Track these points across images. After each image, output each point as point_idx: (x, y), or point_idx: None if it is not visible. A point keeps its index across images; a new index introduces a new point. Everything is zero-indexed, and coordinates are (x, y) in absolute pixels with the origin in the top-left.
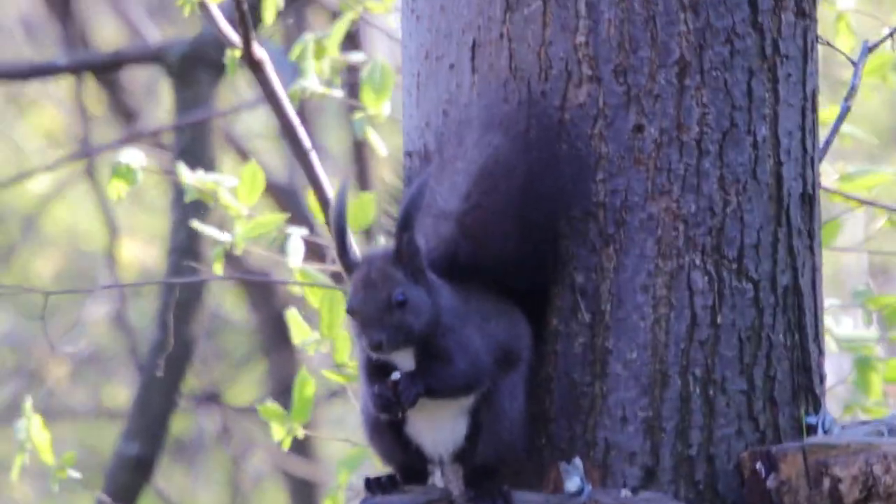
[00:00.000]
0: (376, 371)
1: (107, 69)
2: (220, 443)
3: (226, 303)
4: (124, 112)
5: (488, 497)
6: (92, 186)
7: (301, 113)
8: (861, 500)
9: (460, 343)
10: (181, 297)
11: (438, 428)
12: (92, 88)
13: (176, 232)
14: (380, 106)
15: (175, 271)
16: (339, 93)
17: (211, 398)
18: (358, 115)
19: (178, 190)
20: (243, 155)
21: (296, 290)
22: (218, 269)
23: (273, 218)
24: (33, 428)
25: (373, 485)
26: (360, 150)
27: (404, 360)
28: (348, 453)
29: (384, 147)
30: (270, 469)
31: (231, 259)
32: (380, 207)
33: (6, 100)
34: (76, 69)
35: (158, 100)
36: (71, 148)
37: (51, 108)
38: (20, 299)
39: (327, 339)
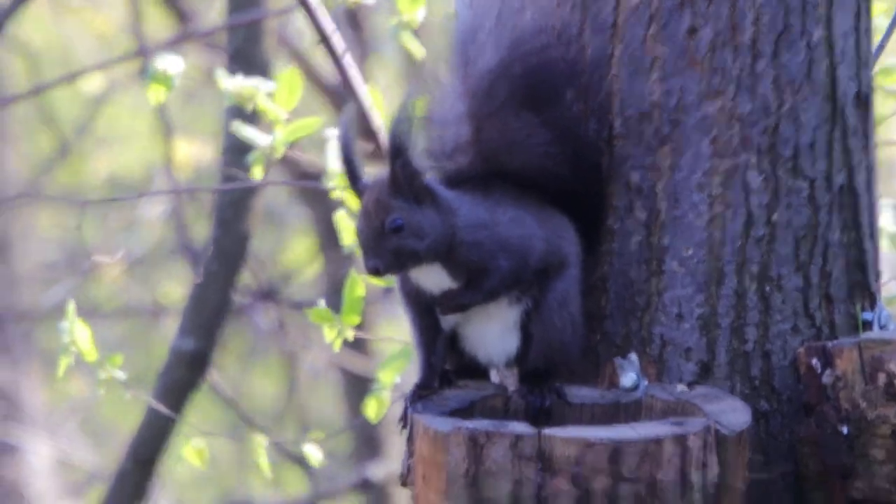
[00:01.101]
0: (415, 298)
1: None
2: (275, 339)
3: (280, 201)
4: (178, 13)
5: (540, 393)
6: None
7: (355, 30)
8: None
9: (487, 252)
10: (235, 195)
11: (490, 342)
12: None
13: (228, 132)
14: (414, 11)
15: (227, 170)
16: (370, 0)
17: (267, 295)
18: (393, 21)
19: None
20: (296, 56)
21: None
22: (258, 172)
23: (312, 121)
24: (77, 331)
25: (414, 398)
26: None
27: (433, 278)
28: (392, 353)
29: (422, 50)
30: (326, 366)
31: (284, 157)
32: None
33: (59, 2)
34: None
35: (212, 0)
36: (124, 49)
37: (104, 10)
38: (74, 201)
39: None
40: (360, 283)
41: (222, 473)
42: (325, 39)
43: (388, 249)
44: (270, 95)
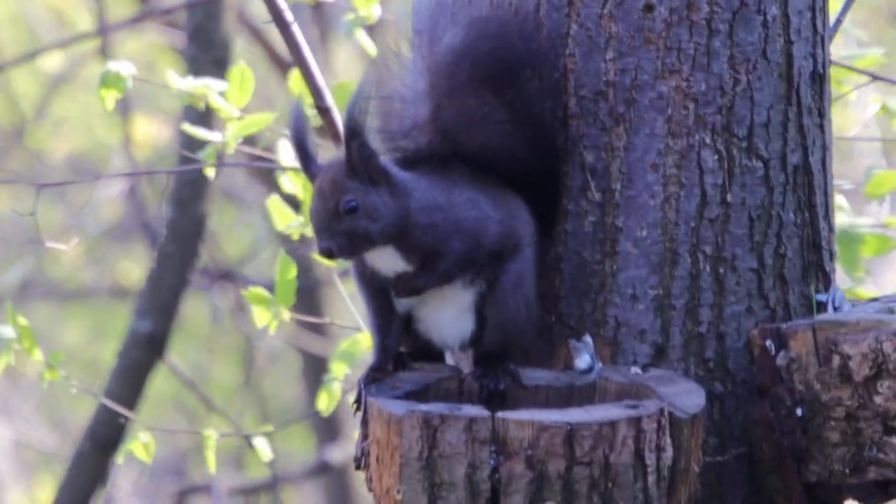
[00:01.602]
0: (369, 281)
1: None
2: (233, 320)
3: (239, 181)
4: None
5: (494, 375)
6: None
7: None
8: (871, 378)
9: (441, 234)
10: (193, 175)
11: (444, 324)
12: None
13: (187, 112)
14: (370, 7)
15: (187, 149)
16: None
17: (225, 275)
18: (348, 16)
19: (190, 70)
20: (255, 34)
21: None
22: (210, 172)
23: (263, 116)
24: (21, 329)
25: (368, 381)
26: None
27: (387, 260)
28: (344, 345)
29: (374, 48)
30: (283, 346)
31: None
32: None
33: None
34: None
35: None
36: (84, 27)
37: None
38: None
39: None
40: (291, 266)
41: (180, 455)
42: (276, 17)
43: (341, 231)
44: (222, 93)
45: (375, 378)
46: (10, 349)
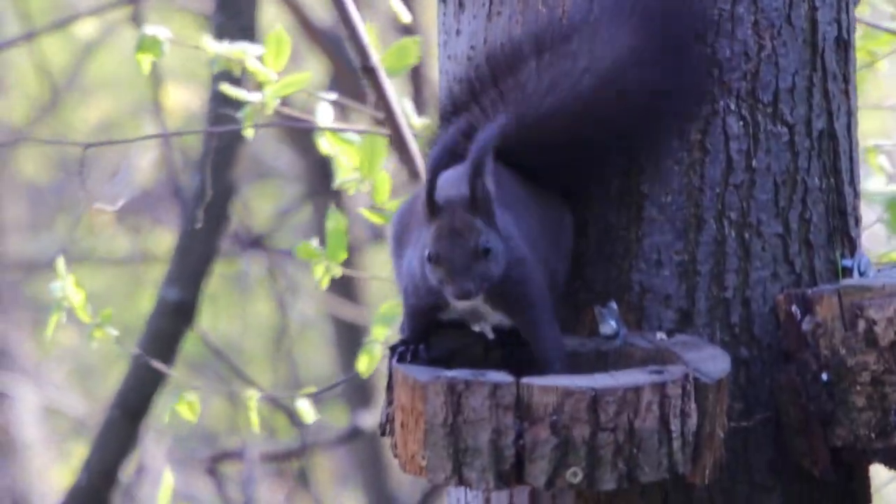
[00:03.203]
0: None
1: None
2: (264, 287)
3: (268, 150)
4: None
5: (518, 341)
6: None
7: None
8: None
9: (532, 282)
10: (222, 142)
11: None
12: None
13: (216, 78)
14: None
15: (215, 117)
16: None
17: (255, 242)
18: None
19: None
20: (286, 1)
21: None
22: (249, 131)
23: (301, 76)
24: (68, 287)
25: (402, 354)
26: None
27: (494, 318)
28: (383, 308)
29: (407, 14)
30: (315, 314)
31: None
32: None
33: None
34: None
35: None
36: None
37: None
38: (63, 149)
39: (367, 179)
40: (340, 219)
41: (212, 423)
42: None
43: (478, 273)
44: (259, 57)
45: (403, 354)
46: (60, 307)
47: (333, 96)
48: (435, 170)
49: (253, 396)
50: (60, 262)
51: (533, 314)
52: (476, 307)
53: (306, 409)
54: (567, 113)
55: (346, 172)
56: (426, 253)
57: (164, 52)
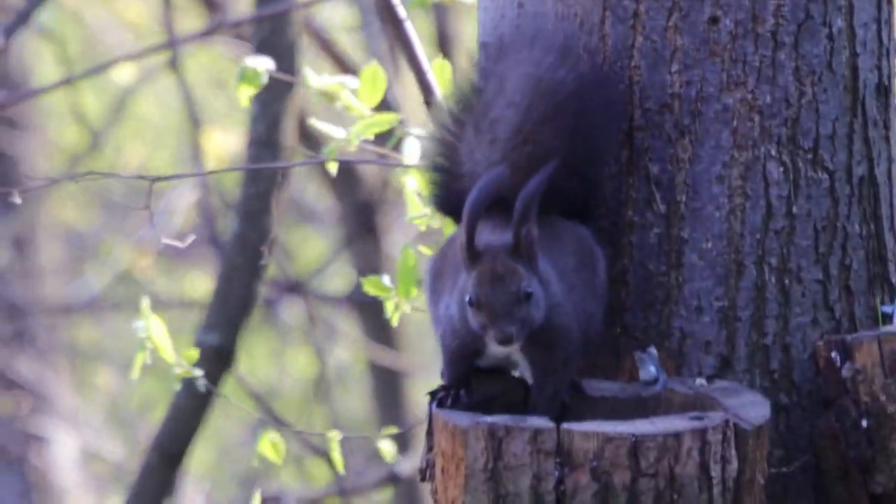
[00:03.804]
0: (463, 360)
1: None
2: (303, 334)
3: (308, 194)
4: (207, 2)
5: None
6: (175, 78)
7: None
8: None
9: (569, 329)
10: (260, 187)
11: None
12: None
13: (256, 124)
14: None
15: (254, 162)
16: None
17: (294, 288)
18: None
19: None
20: (325, 47)
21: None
22: (332, 166)
23: (388, 117)
24: (152, 327)
25: (441, 399)
26: (444, 43)
27: (522, 364)
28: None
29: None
30: (354, 360)
31: (311, 149)
32: (440, 113)
33: None
34: None
35: None
36: (153, 39)
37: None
38: (102, 193)
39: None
40: (412, 255)
41: (246, 469)
42: (390, 13)
43: (520, 318)
44: (353, 91)
45: (443, 399)
46: (144, 348)
47: (422, 132)
48: (474, 215)
49: (334, 437)
50: (145, 303)
51: (553, 361)
52: (512, 353)
53: (389, 450)
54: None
55: (417, 208)
56: (468, 298)
57: (263, 82)
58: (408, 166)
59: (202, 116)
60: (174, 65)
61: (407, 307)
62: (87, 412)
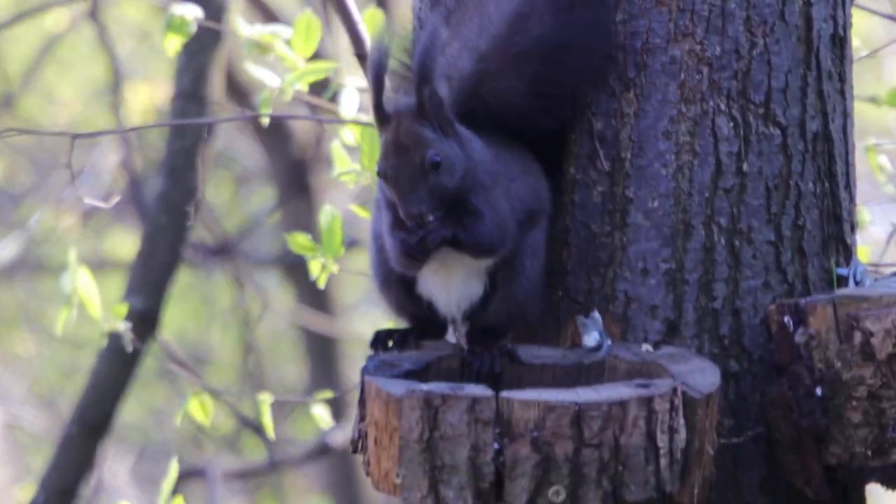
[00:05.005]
0: (403, 224)
1: None
2: (232, 299)
3: (238, 150)
4: None
5: (489, 355)
6: (96, 27)
7: None
8: (894, 355)
9: (490, 202)
10: (187, 143)
11: (453, 285)
12: None
13: (181, 76)
14: None
15: (179, 116)
16: None
17: (222, 250)
18: None
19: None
20: None
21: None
22: (265, 119)
23: (324, 65)
24: (79, 281)
25: (380, 342)
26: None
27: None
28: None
29: None
30: (286, 325)
31: (240, 104)
32: (392, 55)
33: None
34: None
35: None
36: None
37: None
38: (25, 150)
39: (367, 170)
40: (336, 216)
41: (173, 437)
42: None
43: (427, 189)
44: (287, 41)
45: (384, 340)
46: (71, 303)
47: (360, 83)
48: (379, 74)
49: (266, 400)
50: (73, 254)
51: (478, 201)
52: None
53: (323, 416)
54: (488, 71)
55: (344, 164)
56: (377, 168)
57: (190, 32)
58: (343, 122)
59: (127, 68)
60: (94, 15)
61: (335, 268)
62: (7, 381)
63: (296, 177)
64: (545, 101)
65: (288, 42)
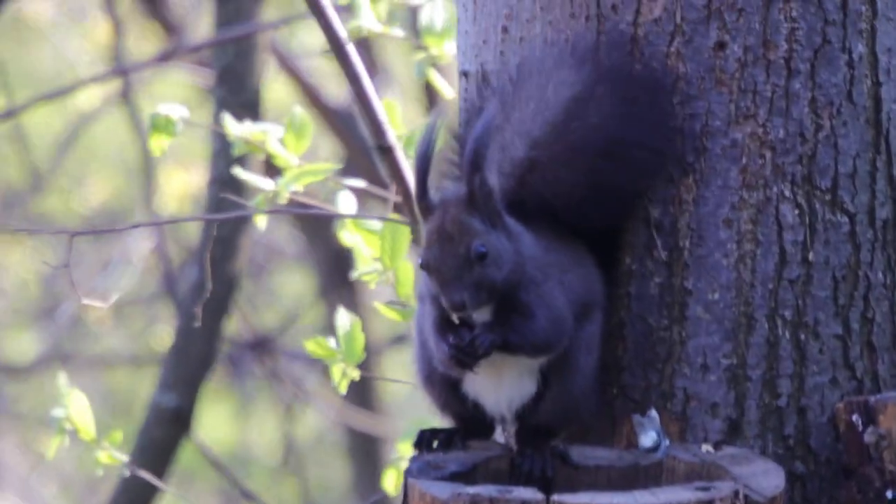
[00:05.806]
0: (449, 324)
1: None
2: (271, 393)
3: (278, 239)
4: (164, 27)
5: (540, 457)
6: (128, 109)
7: (365, 52)
8: None
9: (542, 298)
10: (223, 231)
11: (504, 385)
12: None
13: (216, 160)
14: (442, 45)
15: (215, 203)
16: (399, 32)
17: (260, 344)
18: (419, 56)
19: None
20: (293, 73)
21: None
22: (260, 222)
23: (322, 166)
24: (73, 406)
25: (424, 442)
26: (431, 93)
27: (482, 315)
28: (411, 423)
29: (450, 89)
30: (328, 421)
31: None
32: (439, 149)
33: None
34: None
35: (201, 13)
36: (106, 67)
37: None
38: (50, 240)
39: (389, 270)
40: (354, 319)
41: None
42: (337, 48)
43: (472, 281)
44: (280, 139)
45: (429, 440)
46: (63, 430)
47: (359, 183)
48: (424, 165)
49: None
50: (62, 378)
51: (528, 298)
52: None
53: None
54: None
55: (366, 263)
56: (419, 261)
57: (178, 131)
58: (345, 216)
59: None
60: (125, 95)
61: (356, 373)
62: (34, 483)
63: (338, 265)
64: (599, 193)
65: (281, 140)
